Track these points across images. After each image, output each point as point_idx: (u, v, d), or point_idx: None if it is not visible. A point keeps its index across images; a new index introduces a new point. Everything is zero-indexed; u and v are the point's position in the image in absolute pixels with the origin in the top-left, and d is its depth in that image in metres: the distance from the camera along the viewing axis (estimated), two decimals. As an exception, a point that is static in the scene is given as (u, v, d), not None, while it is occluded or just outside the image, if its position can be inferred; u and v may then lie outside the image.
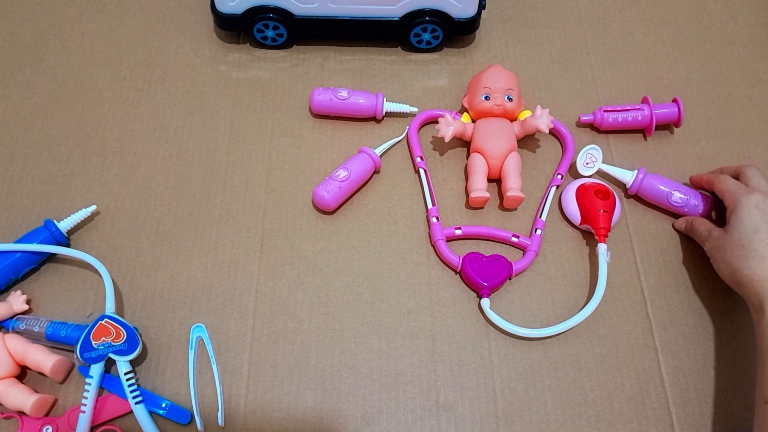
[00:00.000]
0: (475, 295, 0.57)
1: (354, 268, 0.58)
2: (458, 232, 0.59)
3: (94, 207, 0.58)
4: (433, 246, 0.59)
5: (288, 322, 0.55)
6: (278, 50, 0.70)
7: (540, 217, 0.60)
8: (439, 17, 0.65)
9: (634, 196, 0.62)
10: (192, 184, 0.61)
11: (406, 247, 0.59)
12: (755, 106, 0.68)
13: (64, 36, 0.70)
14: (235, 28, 0.69)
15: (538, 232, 0.59)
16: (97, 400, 0.50)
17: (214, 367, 0.53)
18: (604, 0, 0.75)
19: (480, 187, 0.59)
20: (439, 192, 0.61)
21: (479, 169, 0.60)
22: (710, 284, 0.57)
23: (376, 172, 0.62)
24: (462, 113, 0.64)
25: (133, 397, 0.49)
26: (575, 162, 0.62)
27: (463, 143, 0.64)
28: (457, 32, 0.68)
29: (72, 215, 0.57)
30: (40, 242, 0.55)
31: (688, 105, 0.66)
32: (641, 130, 0.66)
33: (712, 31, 0.74)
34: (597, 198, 0.58)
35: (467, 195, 0.60)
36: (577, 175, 0.63)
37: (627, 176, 0.61)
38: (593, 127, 0.66)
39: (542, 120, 0.59)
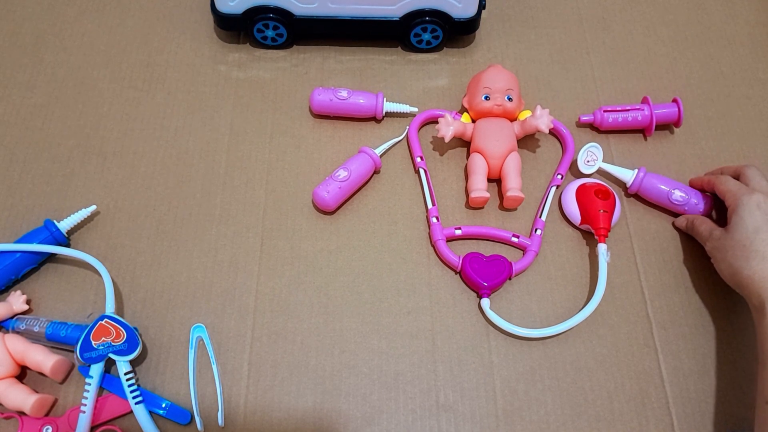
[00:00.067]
0: (475, 295, 0.57)
1: (354, 268, 0.58)
2: (458, 232, 0.59)
3: (94, 207, 0.58)
4: (433, 246, 0.59)
5: (288, 322, 0.55)
6: (278, 50, 0.70)
7: (540, 217, 0.60)
8: (439, 17, 0.65)
9: (635, 195, 0.62)
10: (192, 184, 0.61)
11: (406, 247, 0.59)
12: (755, 106, 0.68)
13: (64, 36, 0.70)
14: (235, 28, 0.69)
15: (538, 232, 0.59)
16: (97, 400, 0.50)
17: (214, 367, 0.53)
18: (604, 0, 0.75)
19: (480, 187, 0.59)
20: (439, 192, 0.61)
21: (479, 169, 0.60)
22: (710, 284, 0.57)
23: (376, 172, 0.62)
24: (462, 113, 0.64)
25: (133, 397, 0.49)
26: (576, 160, 0.62)
27: (463, 143, 0.64)
28: (457, 32, 0.68)
29: (72, 215, 0.57)
30: (40, 242, 0.55)
31: (688, 105, 0.66)
32: (641, 130, 0.66)
33: (712, 31, 0.74)
34: (597, 198, 0.58)
35: (467, 195, 0.60)
36: (577, 174, 0.63)
37: (627, 175, 0.61)
38: (593, 127, 0.66)
39: (542, 120, 0.59)
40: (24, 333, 0.52)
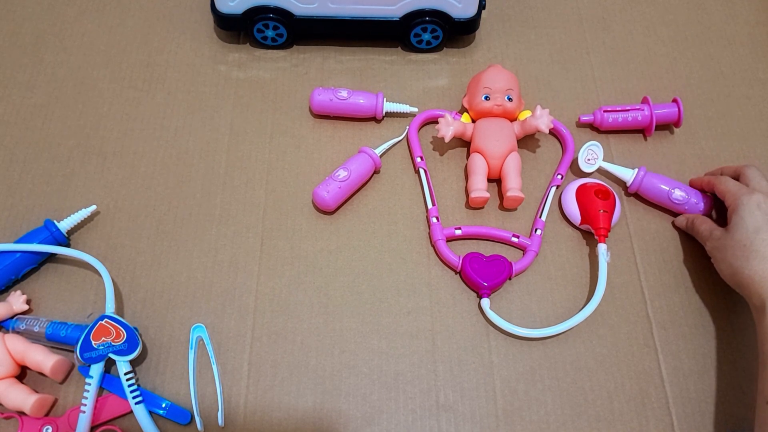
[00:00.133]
0: (475, 295, 0.57)
1: (354, 268, 0.58)
2: (458, 232, 0.59)
3: (94, 207, 0.58)
4: (433, 246, 0.59)
5: (288, 322, 0.55)
6: (278, 50, 0.70)
7: (540, 217, 0.60)
8: (439, 17, 0.65)
9: (635, 194, 0.62)
10: (192, 184, 0.61)
11: (406, 247, 0.59)
12: (755, 106, 0.68)
13: (64, 36, 0.70)
14: (235, 28, 0.69)
15: (538, 232, 0.59)
16: (97, 400, 0.50)
17: (214, 367, 0.53)
18: (604, 0, 0.75)
19: (480, 187, 0.59)
20: (439, 192, 0.61)
21: (479, 169, 0.60)
22: (710, 284, 0.57)
23: (376, 172, 0.62)
24: (462, 113, 0.64)
25: (133, 397, 0.49)
26: (576, 159, 0.62)
27: (463, 143, 0.64)
28: (457, 32, 0.68)
29: (72, 215, 0.57)
30: (40, 242, 0.55)
31: (688, 105, 0.66)
32: (641, 130, 0.66)
33: (712, 31, 0.74)
34: (597, 198, 0.58)
35: (467, 195, 0.60)
36: (578, 172, 0.63)
37: (628, 174, 0.61)
38: (593, 127, 0.66)
39: (542, 120, 0.59)
40: (24, 333, 0.52)
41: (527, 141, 0.65)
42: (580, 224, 0.59)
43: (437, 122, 0.61)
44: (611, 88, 0.69)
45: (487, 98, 0.61)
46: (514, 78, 0.63)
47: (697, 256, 0.59)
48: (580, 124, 0.66)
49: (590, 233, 0.59)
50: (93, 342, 0.50)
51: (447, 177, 0.63)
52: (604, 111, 0.64)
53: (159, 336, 0.54)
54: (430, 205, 0.60)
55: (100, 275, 0.54)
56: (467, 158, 0.63)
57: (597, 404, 0.53)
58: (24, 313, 0.54)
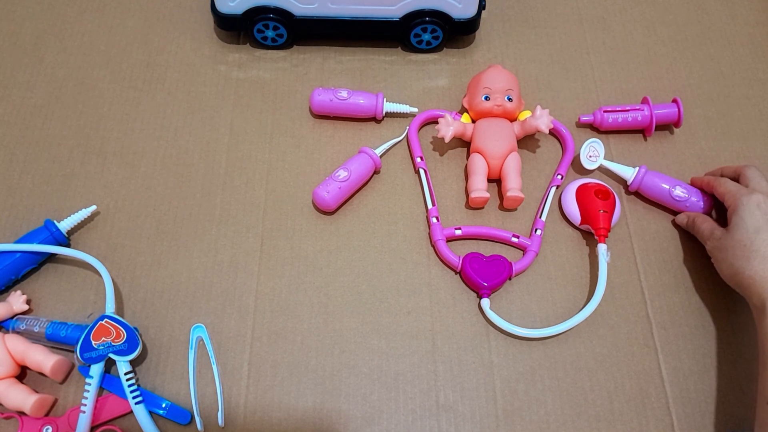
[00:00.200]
0: (475, 295, 0.57)
1: (354, 268, 0.58)
2: (458, 232, 0.59)
3: (94, 207, 0.58)
4: (433, 246, 0.59)
5: (288, 322, 0.55)
6: (278, 50, 0.70)
7: (540, 217, 0.60)
8: (439, 17, 0.65)
9: (635, 193, 0.62)
10: (192, 184, 0.61)
11: (406, 247, 0.59)
12: (755, 106, 0.68)
13: (64, 36, 0.70)
14: (235, 28, 0.69)
15: (538, 232, 0.59)
16: (97, 400, 0.50)
17: (214, 367, 0.53)
18: (604, 0, 0.75)
19: (480, 187, 0.59)
20: (439, 192, 0.61)
21: (479, 169, 0.60)
22: (710, 284, 0.57)
23: (376, 172, 0.62)
24: (462, 113, 0.64)
25: (133, 397, 0.49)
26: (578, 156, 0.62)
27: (463, 143, 0.64)
28: (457, 32, 0.68)
29: (72, 215, 0.57)
30: (40, 242, 0.55)
31: (688, 105, 0.66)
32: (641, 131, 0.66)
33: (712, 31, 0.74)
34: (597, 198, 0.58)
35: (467, 195, 0.60)
36: (579, 170, 0.63)
37: (628, 173, 0.61)
38: (593, 127, 0.66)
39: (542, 120, 0.59)
40: (24, 333, 0.52)
41: (527, 141, 0.65)
42: (580, 224, 0.59)
43: (437, 122, 0.61)
44: (611, 88, 0.69)
45: (487, 98, 0.61)
46: (514, 78, 0.63)
47: (697, 256, 0.59)
48: (580, 124, 0.66)
49: (590, 233, 0.59)
50: (93, 342, 0.50)
51: (447, 177, 0.63)
52: (604, 111, 0.64)
53: (159, 336, 0.54)
54: (430, 205, 0.60)
55: (100, 275, 0.54)
56: (467, 158, 0.63)
57: (597, 404, 0.53)
58: (24, 313, 0.54)
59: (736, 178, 0.57)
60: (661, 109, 0.64)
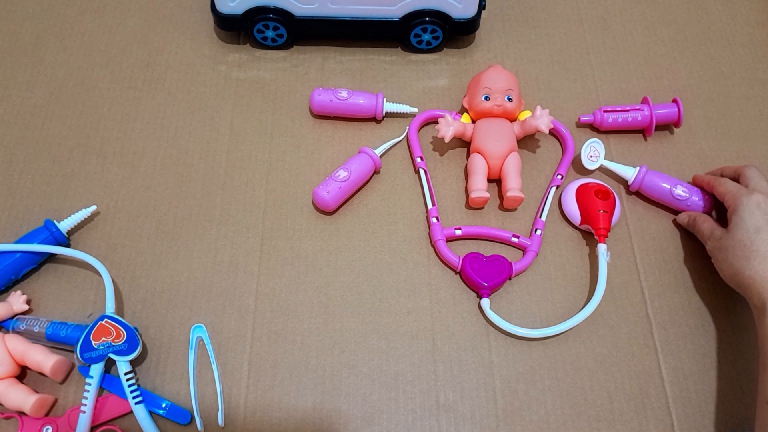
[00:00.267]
0: (475, 295, 0.57)
1: (354, 268, 0.58)
2: (458, 232, 0.59)
3: (94, 207, 0.58)
4: (433, 246, 0.59)
5: (288, 322, 0.55)
6: (278, 50, 0.70)
7: (540, 217, 0.60)
8: (439, 17, 0.65)
9: (636, 193, 0.62)
10: (192, 184, 0.61)
11: (406, 247, 0.59)
12: (755, 106, 0.68)
13: (64, 36, 0.70)
14: (235, 29, 0.69)
15: (538, 232, 0.59)
16: (97, 400, 0.50)
17: (214, 367, 0.53)
18: (604, 0, 0.75)
19: (480, 188, 0.59)
20: (439, 192, 0.61)
21: (479, 169, 0.60)
22: (710, 284, 0.57)
23: (376, 172, 0.62)
24: (462, 113, 0.64)
25: (133, 397, 0.49)
26: (578, 156, 0.62)
27: (463, 143, 0.64)
28: (457, 32, 0.68)
29: (72, 215, 0.57)
30: (40, 242, 0.55)
31: (688, 105, 0.66)
32: (641, 131, 0.66)
33: (712, 31, 0.74)
34: (597, 198, 0.58)
35: (467, 195, 0.60)
36: (580, 169, 0.63)
37: (629, 172, 0.61)
38: (593, 127, 0.66)
39: (542, 120, 0.59)
40: (24, 333, 0.52)
41: (527, 141, 0.65)
42: (580, 224, 0.59)
43: (437, 122, 0.61)
44: (611, 88, 0.69)
45: (487, 98, 0.61)
46: (514, 78, 0.63)
47: (697, 256, 0.59)
48: (580, 124, 0.66)
49: (590, 233, 0.59)
50: (93, 342, 0.50)
51: (447, 177, 0.63)
52: (604, 111, 0.64)
53: (159, 336, 0.54)
54: (430, 205, 0.60)
55: (100, 275, 0.54)
56: (467, 158, 0.63)
57: (597, 404, 0.53)
58: (24, 313, 0.54)
59: (736, 178, 0.57)
60: (661, 109, 0.64)
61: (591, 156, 0.61)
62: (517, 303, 0.57)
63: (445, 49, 0.70)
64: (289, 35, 0.68)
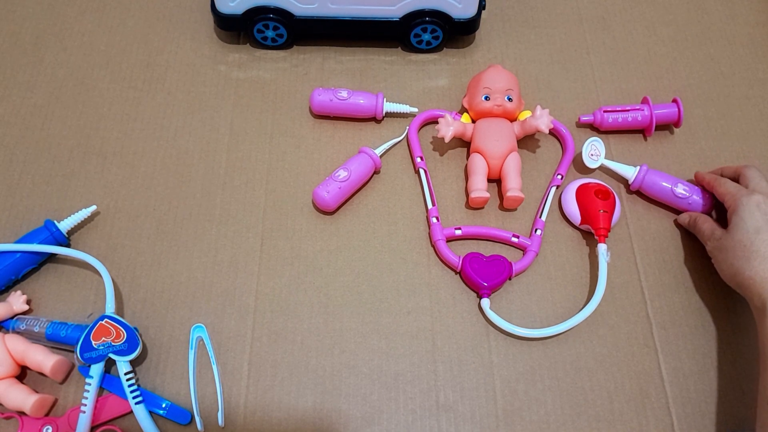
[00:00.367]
0: (475, 295, 0.57)
1: (354, 268, 0.58)
2: (458, 232, 0.59)
3: (94, 207, 0.58)
4: (433, 246, 0.59)
5: (288, 322, 0.55)
6: (278, 50, 0.70)
7: (540, 217, 0.60)
8: (439, 17, 0.65)
9: (636, 192, 0.62)
10: (192, 184, 0.61)
11: (406, 247, 0.59)
12: (755, 106, 0.68)
13: (64, 36, 0.70)
14: (235, 29, 0.69)
15: (538, 232, 0.59)
16: (97, 400, 0.50)
17: (214, 367, 0.53)
18: (604, 0, 0.75)
19: (480, 187, 0.59)
20: (439, 192, 0.61)
21: (479, 169, 0.60)
22: (711, 284, 0.57)
23: (376, 172, 0.62)
24: (462, 113, 0.64)
25: (133, 397, 0.49)
26: (579, 155, 0.62)
27: (463, 143, 0.64)
28: (457, 32, 0.68)
29: (72, 215, 0.57)
30: (40, 242, 0.55)
31: (688, 105, 0.66)
32: (641, 131, 0.66)
33: (712, 31, 0.74)
34: (597, 198, 0.58)
35: (467, 195, 0.60)
36: (581, 168, 0.63)
37: (630, 172, 0.61)
38: (593, 127, 0.66)
39: (542, 120, 0.59)
40: (24, 333, 0.52)
41: (527, 141, 0.65)
42: (580, 224, 0.59)
43: (437, 122, 0.61)
44: (611, 88, 0.69)
45: (487, 98, 0.61)
46: (514, 78, 0.63)
47: (698, 256, 0.59)
48: (580, 124, 0.66)
49: (590, 233, 0.59)
50: (93, 342, 0.50)
51: (447, 177, 0.63)
52: (604, 111, 0.64)
53: (159, 336, 0.54)
54: (430, 205, 0.60)
55: (100, 275, 0.54)
56: (467, 158, 0.63)
57: (597, 404, 0.53)
58: (24, 313, 0.54)
59: (736, 179, 0.57)
60: (661, 109, 0.64)
61: (592, 155, 0.61)
62: (517, 303, 0.57)
63: (445, 49, 0.70)
64: (289, 35, 0.68)
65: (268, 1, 0.64)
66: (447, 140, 0.60)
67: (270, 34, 0.67)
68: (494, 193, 0.62)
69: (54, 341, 0.52)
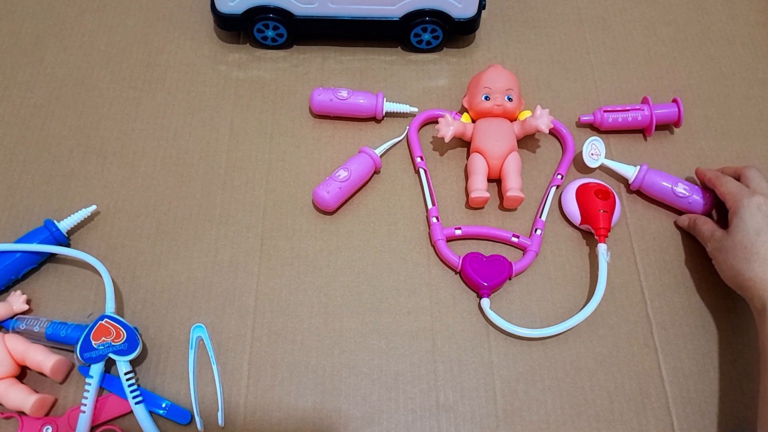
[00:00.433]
0: (475, 295, 0.57)
1: (354, 268, 0.58)
2: (458, 232, 0.59)
3: (94, 207, 0.58)
4: (433, 246, 0.59)
5: (288, 322, 0.55)
6: (278, 50, 0.70)
7: (540, 217, 0.60)
8: (439, 17, 0.65)
9: (636, 192, 0.62)
10: (192, 184, 0.61)
11: (406, 247, 0.59)
12: (755, 106, 0.68)
13: (64, 36, 0.70)
14: (235, 28, 0.69)
15: (538, 232, 0.59)
16: (97, 400, 0.50)
17: (214, 367, 0.53)
18: (604, 0, 0.75)
19: (480, 187, 0.59)
20: (439, 192, 0.61)
21: (479, 169, 0.60)
22: (710, 284, 0.57)
23: (376, 172, 0.62)
24: (462, 113, 0.64)
25: (133, 397, 0.49)
26: (579, 155, 0.62)
27: (463, 143, 0.64)
28: (457, 32, 0.68)
29: (72, 215, 0.57)
30: (40, 242, 0.55)
31: (688, 105, 0.66)
32: (641, 131, 0.66)
33: (712, 31, 0.74)
34: (597, 198, 0.58)
35: (467, 195, 0.60)
36: (581, 168, 0.63)
37: (630, 171, 0.61)
38: (593, 127, 0.66)
39: (542, 120, 0.59)
40: (24, 333, 0.52)
41: (527, 141, 0.65)
42: (580, 224, 0.59)
43: (437, 122, 0.61)
44: (611, 88, 0.69)
45: (487, 98, 0.61)
46: (514, 78, 0.63)
47: (698, 257, 0.59)
48: (580, 124, 0.66)
49: (590, 233, 0.59)
50: (93, 342, 0.50)
51: (447, 177, 0.63)
52: (604, 111, 0.64)
53: (159, 336, 0.54)
54: (430, 205, 0.60)
55: (100, 275, 0.54)
56: (467, 158, 0.63)
57: (597, 404, 0.53)
58: (24, 313, 0.54)
59: (736, 179, 0.57)
60: (661, 109, 0.64)
61: (592, 154, 0.61)
62: (517, 303, 0.57)
63: (445, 49, 0.70)
64: (289, 35, 0.68)
65: (268, 0, 0.64)
66: (447, 140, 0.60)
67: (270, 33, 0.67)
68: (494, 193, 0.62)
69: (54, 341, 0.52)
